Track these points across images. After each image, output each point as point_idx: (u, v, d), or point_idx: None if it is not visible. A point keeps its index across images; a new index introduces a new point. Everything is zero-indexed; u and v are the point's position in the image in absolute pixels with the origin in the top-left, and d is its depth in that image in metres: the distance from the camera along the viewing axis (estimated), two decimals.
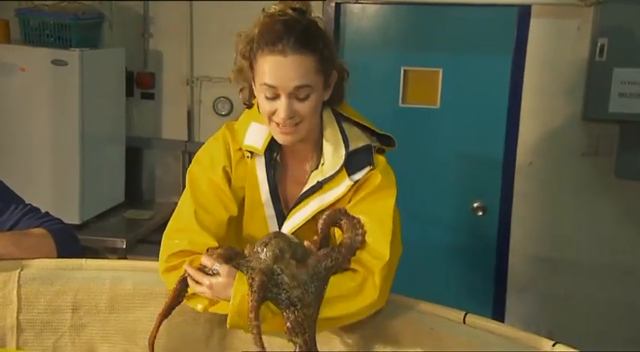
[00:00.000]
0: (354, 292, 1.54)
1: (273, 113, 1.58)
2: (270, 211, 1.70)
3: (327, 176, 1.65)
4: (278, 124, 1.59)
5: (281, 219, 1.70)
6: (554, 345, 1.49)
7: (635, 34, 3.11)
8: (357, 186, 1.65)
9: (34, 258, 1.79)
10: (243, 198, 1.71)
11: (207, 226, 1.63)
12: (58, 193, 3.40)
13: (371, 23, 3.63)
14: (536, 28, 3.38)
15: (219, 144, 1.70)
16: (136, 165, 3.94)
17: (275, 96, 1.57)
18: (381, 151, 1.70)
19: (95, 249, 3.39)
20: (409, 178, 3.64)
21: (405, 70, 3.59)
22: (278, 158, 1.70)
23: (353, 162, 1.65)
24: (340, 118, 1.70)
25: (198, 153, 1.74)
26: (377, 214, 1.62)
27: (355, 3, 3.58)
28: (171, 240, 1.63)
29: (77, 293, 1.77)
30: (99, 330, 1.78)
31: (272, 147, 1.69)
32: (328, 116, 1.69)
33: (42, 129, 3.36)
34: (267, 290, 1.40)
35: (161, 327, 1.56)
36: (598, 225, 3.46)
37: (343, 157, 1.65)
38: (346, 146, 1.66)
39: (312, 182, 1.67)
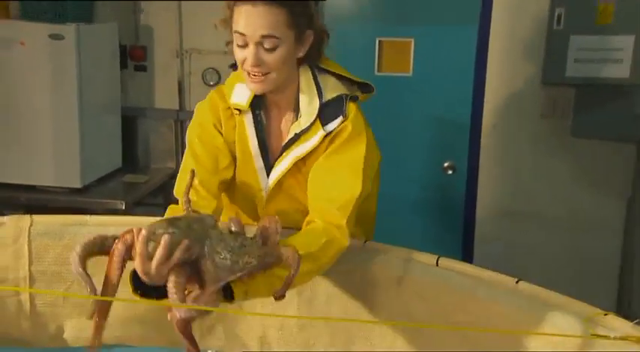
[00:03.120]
0: (323, 248, 1.51)
1: (244, 61, 1.56)
2: (259, 163, 1.71)
3: (303, 128, 1.64)
4: (249, 73, 1.57)
5: (269, 170, 1.71)
6: (517, 282, 1.54)
7: (588, 3, 3.12)
8: (331, 137, 1.64)
9: None
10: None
11: (208, 187, 1.63)
12: (60, 160, 3.39)
13: None
14: None
15: (206, 107, 1.72)
16: (132, 133, 3.92)
17: (245, 44, 1.55)
18: (354, 99, 1.68)
19: (96, 210, 3.39)
20: (385, 141, 3.65)
21: (379, 41, 3.58)
22: (262, 114, 1.70)
23: (327, 112, 1.64)
24: (317, 71, 1.68)
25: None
26: (347, 161, 1.62)
27: None
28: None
29: None
30: None
31: (257, 104, 1.69)
32: (304, 71, 1.67)
33: (43, 100, 3.32)
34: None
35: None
36: (556, 180, 3.51)
37: (317, 108, 1.64)
38: (320, 97, 1.64)
39: (290, 134, 1.67)
